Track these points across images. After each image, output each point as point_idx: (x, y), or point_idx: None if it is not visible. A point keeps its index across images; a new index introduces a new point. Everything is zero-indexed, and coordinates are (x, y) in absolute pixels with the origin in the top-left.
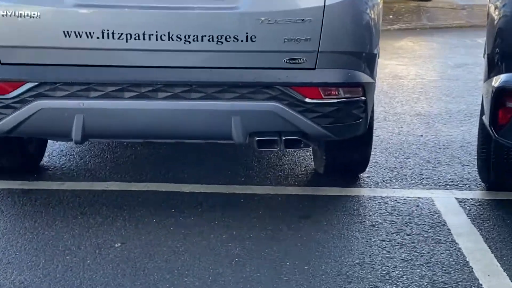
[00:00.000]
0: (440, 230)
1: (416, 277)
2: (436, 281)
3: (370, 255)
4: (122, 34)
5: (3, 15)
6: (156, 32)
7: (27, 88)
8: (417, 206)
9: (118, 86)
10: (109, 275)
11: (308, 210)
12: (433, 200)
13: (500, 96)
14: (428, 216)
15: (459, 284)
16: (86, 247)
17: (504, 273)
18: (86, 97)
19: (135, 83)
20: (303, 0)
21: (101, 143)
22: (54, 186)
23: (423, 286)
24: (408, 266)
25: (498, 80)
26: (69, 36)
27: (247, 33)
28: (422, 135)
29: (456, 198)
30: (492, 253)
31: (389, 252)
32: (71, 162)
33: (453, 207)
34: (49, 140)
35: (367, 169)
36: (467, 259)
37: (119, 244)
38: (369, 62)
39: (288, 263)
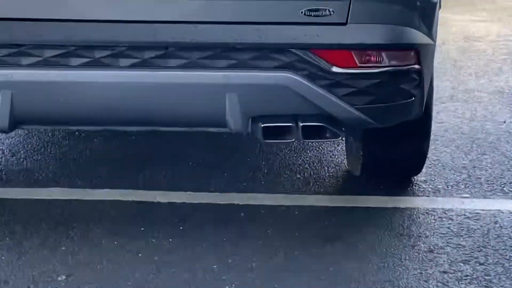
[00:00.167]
0: None
1: None
2: None
3: None
4: None
5: None
6: None
7: None
8: (496, 223)
9: (61, 50)
10: None
11: (338, 229)
12: None
13: None
14: (511, 237)
15: None
16: (16, 281)
17: None
18: (15, 66)
19: (85, 45)
20: None
21: (40, 132)
22: None
23: None
24: None
25: None
26: None
27: None
28: (505, 121)
29: None
30: None
31: None
32: None
33: None
34: None
35: (423, 170)
36: None
37: (63, 277)
38: (426, 14)
39: None
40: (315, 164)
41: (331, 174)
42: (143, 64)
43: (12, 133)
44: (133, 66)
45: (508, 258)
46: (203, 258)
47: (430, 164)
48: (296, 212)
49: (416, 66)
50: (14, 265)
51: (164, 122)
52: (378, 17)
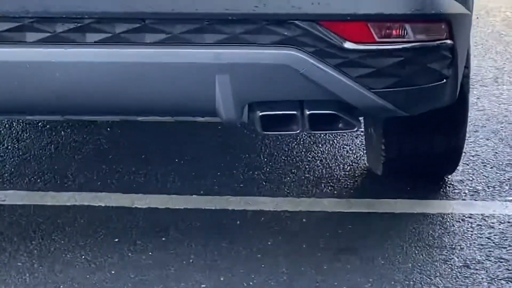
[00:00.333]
0: None
1: None
2: None
3: None
4: None
5: None
6: None
7: None
8: None
9: (14, 23)
10: None
11: (353, 240)
12: None
13: None
14: None
15: None
16: None
17: None
18: None
19: (44, 17)
20: None
21: None
22: None
23: None
24: None
25: None
26: None
27: None
28: None
29: None
30: None
31: None
32: None
33: None
34: None
35: (459, 168)
36: None
37: None
38: None
39: None
40: (327, 161)
41: (346, 173)
42: (114, 40)
43: None
44: (101, 43)
45: None
46: (190, 277)
47: (467, 161)
48: (304, 220)
49: (448, 41)
50: None
51: (140, 110)
52: None
